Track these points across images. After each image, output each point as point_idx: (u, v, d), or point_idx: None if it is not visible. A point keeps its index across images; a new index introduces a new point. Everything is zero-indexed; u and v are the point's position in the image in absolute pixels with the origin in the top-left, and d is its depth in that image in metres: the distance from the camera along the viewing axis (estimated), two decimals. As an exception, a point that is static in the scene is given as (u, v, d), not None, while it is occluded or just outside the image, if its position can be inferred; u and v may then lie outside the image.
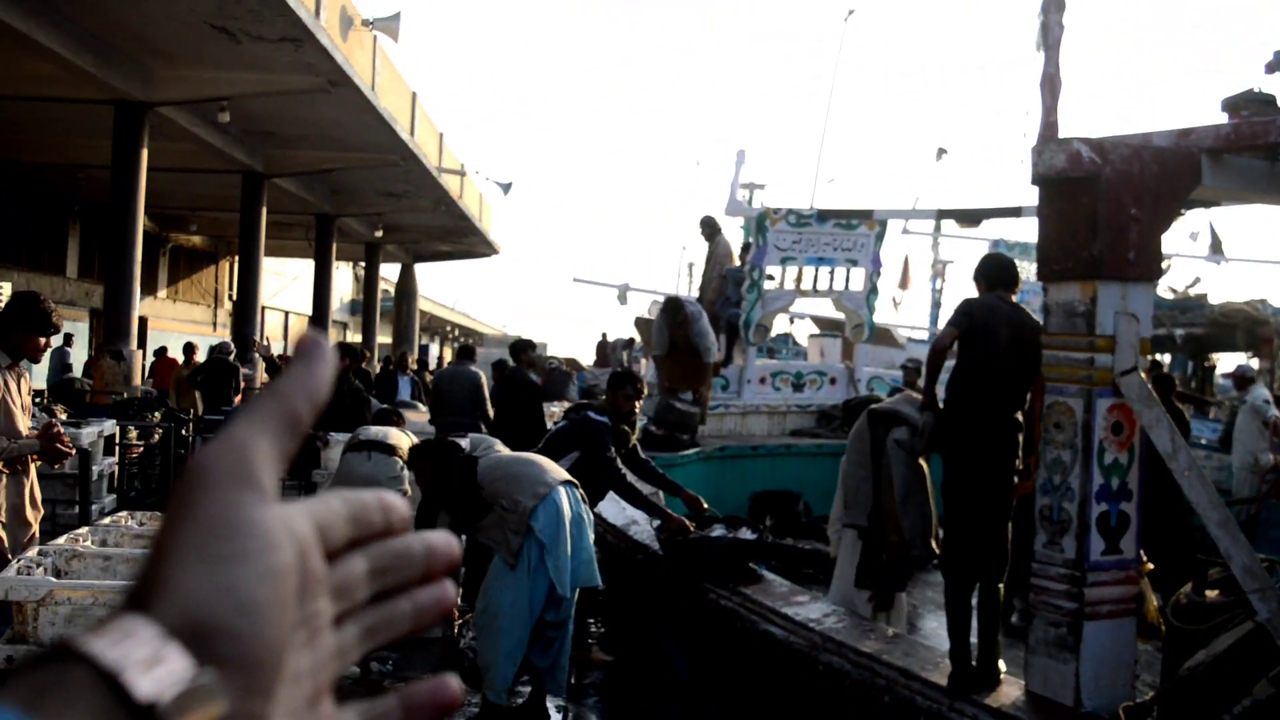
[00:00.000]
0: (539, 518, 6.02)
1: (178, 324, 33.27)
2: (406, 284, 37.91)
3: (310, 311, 29.26)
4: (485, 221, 33.44)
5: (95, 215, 27.73)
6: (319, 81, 16.29)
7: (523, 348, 12.04)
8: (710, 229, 15.16)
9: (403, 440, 7.68)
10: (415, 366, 22.40)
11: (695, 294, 15.38)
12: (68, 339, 23.01)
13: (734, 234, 16.63)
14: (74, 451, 5.49)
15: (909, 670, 5.07)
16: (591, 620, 7.97)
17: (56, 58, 14.44)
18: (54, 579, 3.94)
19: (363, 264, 36.77)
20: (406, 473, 7.46)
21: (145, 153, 16.81)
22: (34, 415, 5.83)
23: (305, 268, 35.16)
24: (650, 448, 11.54)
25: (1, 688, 0.45)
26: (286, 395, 0.57)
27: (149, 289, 29.58)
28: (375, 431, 7.82)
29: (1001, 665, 5.23)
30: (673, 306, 12.37)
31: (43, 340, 5.48)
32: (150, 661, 0.47)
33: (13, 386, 5.35)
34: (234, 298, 34.35)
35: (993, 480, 5.34)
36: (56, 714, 0.45)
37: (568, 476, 6.23)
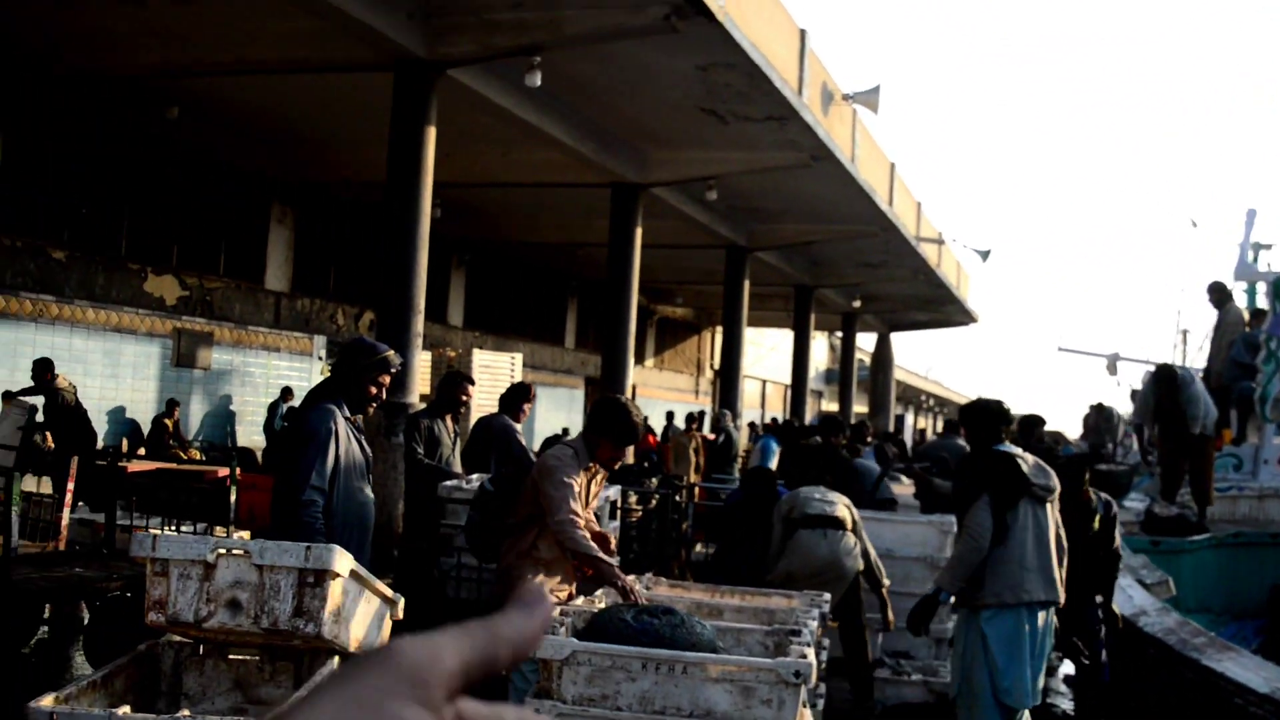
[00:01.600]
0: (1000, 625, 5.71)
1: (663, 391, 34.91)
2: (883, 353, 37.83)
3: (788, 380, 29.79)
4: (963, 289, 32.89)
5: (590, 290, 29.68)
6: (802, 157, 16.65)
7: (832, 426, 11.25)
8: (1220, 295, 14.14)
9: (845, 512, 7.37)
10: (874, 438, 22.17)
11: (1201, 364, 14.30)
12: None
13: (1239, 299, 15.41)
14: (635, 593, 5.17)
15: None
16: (1096, 716, 7.47)
17: (562, 146, 15.60)
18: (575, 640, 4.12)
19: (838, 333, 37.10)
20: (857, 547, 7.23)
21: (639, 231, 17.79)
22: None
23: (781, 337, 35.94)
24: (1156, 530, 10.78)
25: None
26: (499, 635, 0.61)
27: (638, 358, 31.19)
28: (819, 504, 7.33)
29: None
30: (1164, 377, 11.56)
31: (619, 452, 5.47)
32: None
33: (580, 486, 5.35)
34: (715, 367, 35.61)
35: None
36: None
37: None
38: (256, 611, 3.74)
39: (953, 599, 5.96)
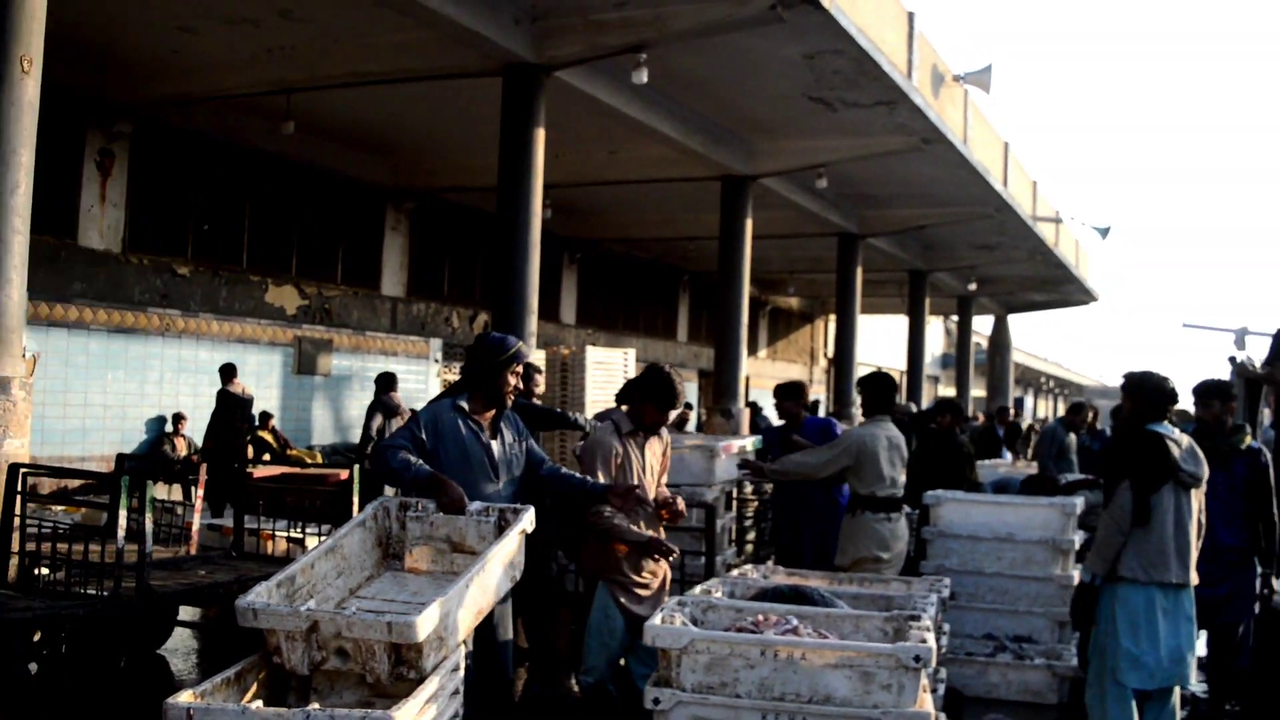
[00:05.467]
0: (1131, 602, 5.61)
1: (775, 381, 34.74)
2: (1000, 336, 37.29)
3: (904, 366, 29.53)
4: (1082, 268, 32.26)
5: (702, 283, 29.69)
6: (912, 141, 16.48)
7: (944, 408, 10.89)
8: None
9: None
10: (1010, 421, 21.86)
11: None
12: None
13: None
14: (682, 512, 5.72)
15: None
16: (1229, 701, 7.27)
17: (670, 141, 15.65)
18: (694, 628, 4.16)
19: (954, 317, 36.64)
20: None
21: (749, 222, 17.76)
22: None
23: (896, 324, 35.59)
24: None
25: None
26: None
27: (751, 349, 31.12)
28: None
29: None
30: None
31: (662, 416, 5.77)
32: None
33: (634, 453, 5.73)
34: (829, 355, 35.43)
35: None
36: None
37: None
38: (362, 664, 3.87)
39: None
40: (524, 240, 12.27)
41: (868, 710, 3.90)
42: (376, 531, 4.78)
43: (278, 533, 7.99)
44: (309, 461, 15.76)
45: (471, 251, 21.90)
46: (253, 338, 17.40)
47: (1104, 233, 27.00)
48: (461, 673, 4.15)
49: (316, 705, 3.67)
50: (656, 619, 4.24)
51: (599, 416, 9.65)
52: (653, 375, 5.82)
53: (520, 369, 5.34)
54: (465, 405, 5.24)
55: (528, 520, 4.75)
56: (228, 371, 14.79)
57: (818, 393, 35.63)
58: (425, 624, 3.80)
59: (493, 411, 5.31)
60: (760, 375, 32.50)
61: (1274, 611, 6.93)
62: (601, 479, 5.59)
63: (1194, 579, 5.66)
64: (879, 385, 7.63)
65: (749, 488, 10.72)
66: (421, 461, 4.95)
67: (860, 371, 22.33)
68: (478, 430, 5.24)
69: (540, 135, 12.38)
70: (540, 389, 8.63)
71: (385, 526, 4.82)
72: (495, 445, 5.28)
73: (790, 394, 8.87)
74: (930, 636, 4.10)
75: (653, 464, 5.92)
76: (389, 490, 5.59)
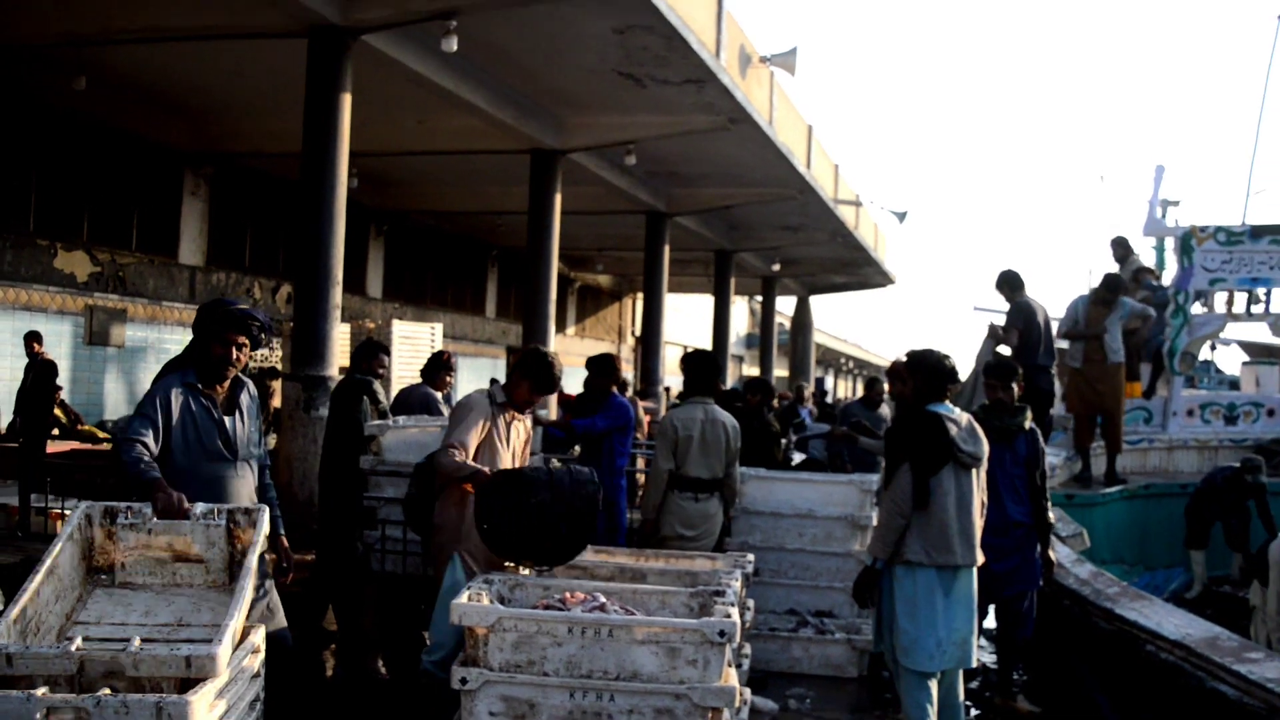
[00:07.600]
0: (908, 584, 5.70)
1: (584, 359, 34.81)
2: (802, 317, 38.12)
3: (709, 346, 29.94)
4: (881, 251, 33.18)
5: (511, 258, 29.52)
6: (719, 120, 16.64)
7: (754, 387, 11.22)
8: (1122, 250, 14.38)
9: None
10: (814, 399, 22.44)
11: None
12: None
13: (1146, 255, 15.71)
14: None
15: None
16: (1017, 670, 7.61)
17: (479, 113, 15.45)
18: (501, 606, 4.13)
19: (759, 298, 37.28)
20: None
21: (558, 198, 17.70)
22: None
23: (702, 302, 36.05)
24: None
25: None
26: None
27: (559, 326, 31.07)
28: None
29: None
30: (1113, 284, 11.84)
31: (534, 396, 5.90)
32: None
33: (502, 428, 5.71)
34: (636, 334, 35.69)
35: None
36: None
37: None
38: (145, 689, 3.59)
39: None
40: (328, 209, 11.95)
41: (674, 685, 3.93)
42: (81, 544, 4.25)
43: (68, 511, 7.65)
44: (101, 438, 15.10)
45: (275, 220, 21.27)
46: (40, 305, 16.56)
47: (901, 217, 27.84)
48: (262, 655, 4.02)
49: (108, 690, 3.49)
50: (463, 597, 4.19)
51: (403, 392, 9.55)
52: (535, 356, 5.95)
53: (244, 340, 4.77)
54: (194, 380, 4.75)
55: (265, 523, 4.31)
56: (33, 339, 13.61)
57: (626, 370, 35.84)
58: (225, 654, 3.60)
59: (225, 385, 4.83)
60: (569, 352, 32.52)
61: (1056, 584, 7.25)
62: (467, 438, 5.59)
63: (979, 558, 5.78)
64: (697, 365, 7.71)
65: (554, 462, 10.69)
66: (153, 462, 4.45)
67: (667, 350, 22.55)
68: (209, 406, 4.75)
69: (346, 101, 12.05)
70: (384, 371, 8.44)
71: (88, 537, 4.26)
72: (229, 421, 4.80)
73: (597, 368, 8.90)
74: (734, 612, 4.15)
75: (516, 445, 5.92)
76: None
